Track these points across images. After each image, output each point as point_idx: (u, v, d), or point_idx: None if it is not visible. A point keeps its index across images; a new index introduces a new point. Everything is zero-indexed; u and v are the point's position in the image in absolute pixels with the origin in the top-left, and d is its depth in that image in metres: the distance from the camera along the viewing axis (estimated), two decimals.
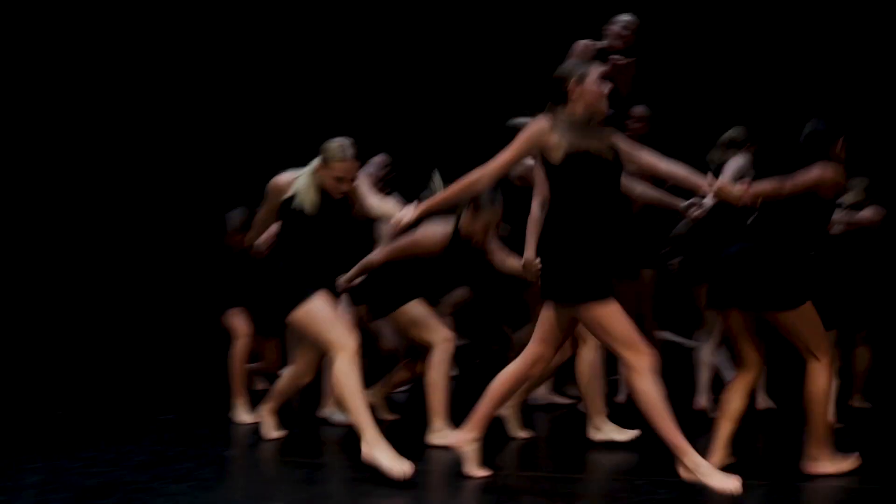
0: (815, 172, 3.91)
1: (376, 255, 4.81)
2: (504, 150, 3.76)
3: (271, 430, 4.72)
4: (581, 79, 3.71)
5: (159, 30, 8.74)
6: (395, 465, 3.79)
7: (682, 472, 3.64)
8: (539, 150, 3.72)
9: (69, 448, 4.47)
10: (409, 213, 3.92)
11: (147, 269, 8.72)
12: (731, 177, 5.07)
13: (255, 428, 4.93)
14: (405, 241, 4.68)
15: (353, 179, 4.29)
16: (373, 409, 4.33)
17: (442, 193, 3.89)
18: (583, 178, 3.65)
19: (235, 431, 5.01)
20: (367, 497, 3.74)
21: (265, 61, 8.76)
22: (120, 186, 8.79)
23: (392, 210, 4.20)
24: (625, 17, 6.04)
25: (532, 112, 3.83)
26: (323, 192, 4.26)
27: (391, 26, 8.65)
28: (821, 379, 3.95)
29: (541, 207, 4.44)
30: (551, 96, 3.76)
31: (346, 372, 3.96)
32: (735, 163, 5.33)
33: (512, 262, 4.75)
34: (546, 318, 3.81)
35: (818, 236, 4.06)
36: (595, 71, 3.76)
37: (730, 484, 3.55)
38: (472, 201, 4.63)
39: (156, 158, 8.83)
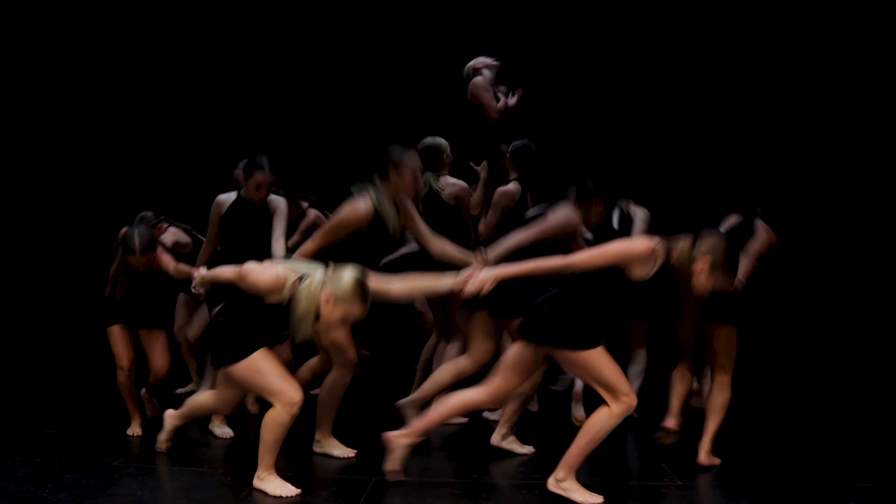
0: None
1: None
2: (598, 249, 3.91)
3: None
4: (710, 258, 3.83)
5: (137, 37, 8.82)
6: (282, 490, 4.08)
7: (552, 485, 4.10)
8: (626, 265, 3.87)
9: None
10: (487, 280, 3.95)
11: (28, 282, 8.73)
12: (643, 228, 5.63)
13: (142, 440, 5.09)
14: (332, 222, 4.61)
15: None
16: None
17: (522, 267, 3.96)
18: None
19: (124, 443, 5.09)
20: (248, 502, 3.96)
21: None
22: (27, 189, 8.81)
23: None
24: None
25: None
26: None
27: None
28: (727, 392, 4.71)
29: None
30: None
31: (280, 423, 4.07)
32: (643, 214, 5.91)
33: (456, 253, 4.74)
34: (520, 354, 4.12)
35: None
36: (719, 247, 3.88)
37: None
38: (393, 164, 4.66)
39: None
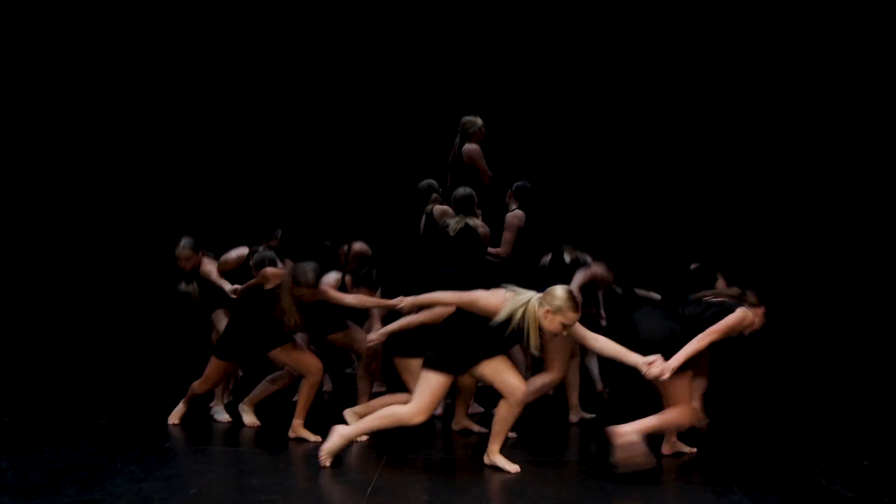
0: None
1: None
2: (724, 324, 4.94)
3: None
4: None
5: (150, 35, 9.41)
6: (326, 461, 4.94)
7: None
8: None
9: (27, 444, 5.31)
10: (667, 369, 4.73)
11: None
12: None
13: (185, 424, 5.98)
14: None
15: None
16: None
17: (689, 353, 4.85)
18: None
19: (167, 429, 5.91)
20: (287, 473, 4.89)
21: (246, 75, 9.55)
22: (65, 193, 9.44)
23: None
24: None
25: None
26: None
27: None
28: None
29: None
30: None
31: (395, 419, 4.87)
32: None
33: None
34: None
35: None
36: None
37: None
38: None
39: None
